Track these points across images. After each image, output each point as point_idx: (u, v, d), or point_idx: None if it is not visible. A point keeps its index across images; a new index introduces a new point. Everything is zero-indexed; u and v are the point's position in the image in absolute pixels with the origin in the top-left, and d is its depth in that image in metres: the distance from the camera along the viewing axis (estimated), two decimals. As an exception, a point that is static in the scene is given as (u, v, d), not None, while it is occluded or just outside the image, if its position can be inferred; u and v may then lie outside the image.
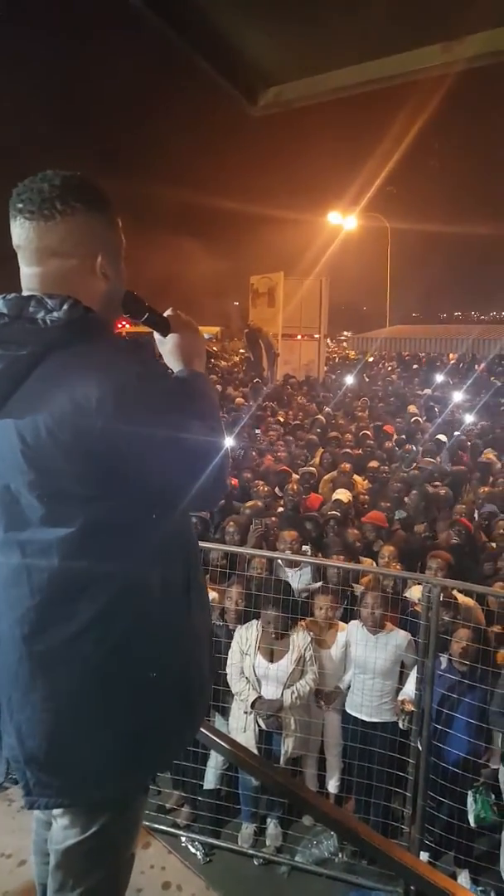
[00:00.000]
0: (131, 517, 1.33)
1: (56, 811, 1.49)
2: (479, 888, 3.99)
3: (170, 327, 1.57)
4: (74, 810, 1.45)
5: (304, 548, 5.81)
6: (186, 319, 1.59)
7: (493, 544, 6.12)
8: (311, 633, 4.40)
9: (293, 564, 5.29)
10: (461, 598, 4.62)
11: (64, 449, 1.24)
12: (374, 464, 8.82)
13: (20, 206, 1.30)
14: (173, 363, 1.56)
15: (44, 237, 1.31)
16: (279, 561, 5.25)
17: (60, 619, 1.32)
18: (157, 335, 1.59)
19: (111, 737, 1.38)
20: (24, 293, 1.33)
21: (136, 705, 1.40)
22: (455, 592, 4.53)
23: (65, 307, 1.26)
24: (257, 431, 10.96)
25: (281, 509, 6.88)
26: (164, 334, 1.57)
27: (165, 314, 1.59)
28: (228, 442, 1.48)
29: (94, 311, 1.32)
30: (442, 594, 3.94)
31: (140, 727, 1.41)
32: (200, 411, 1.36)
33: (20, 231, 1.32)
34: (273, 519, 6.24)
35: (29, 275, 1.35)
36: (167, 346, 1.57)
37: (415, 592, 4.77)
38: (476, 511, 7.17)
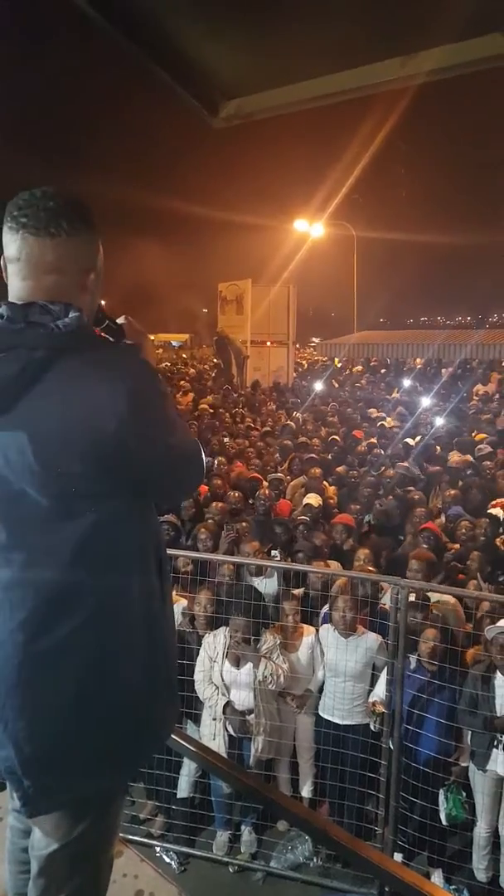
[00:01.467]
0: (130, 514, 1.43)
1: (38, 818, 1.50)
2: (452, 887, 4.04)
3: (124, 335, 1.64)
4: (57, 817, 1.47)
5: (274, 553, 5.83)
6: (139, 327, 1.66)
7: (457, 545, 6.20)
8: (278, 637, 4.42)
9: (259, 572, 5.30)
10: (443, 597, 4.68)
11: (77, 449, 1.29)
12: (341, 469, 8.88)
13: (24, 220, 1.34)
14: None
15: (47, 253, 1.36)
16: (245, 570, 5.26)
17: (61, 618, 1.35)
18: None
19: (110, 732, 1.44)
20: (22, 301, 1.36)
21: (130, 700, 1.45)
22: (433, 595, 4.59)
23: (72, 314, 1.33)
24: (226, 440, 10.95)
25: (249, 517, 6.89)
26: (119, 341, 1.64)
27: (119, 322, 1.64)
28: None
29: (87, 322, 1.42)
30: (412, 595, 3.99)
31: (136, 720, 1.47)
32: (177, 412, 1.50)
33: (21, 245, 1.36)
34: (244, 524, 6.25)
35: (23, 286, 1.38)
36: None
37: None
38: (443, 514, 7.26)
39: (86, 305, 1.43)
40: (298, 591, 4.93)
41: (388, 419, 14.04)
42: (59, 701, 1.37)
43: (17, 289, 1.39)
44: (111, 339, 1.63)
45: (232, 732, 4.25)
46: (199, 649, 4.44)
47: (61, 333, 1.30)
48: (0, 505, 1.35)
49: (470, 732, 4.02)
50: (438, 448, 10.52)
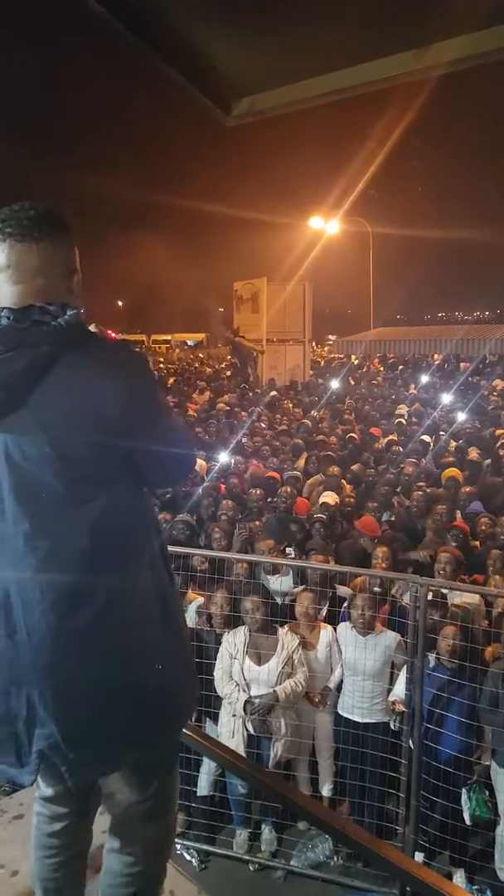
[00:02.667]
0: (135, 499, 1.56)
1: (111, 783, 1.68)
2: (475, 887, 4.01)
3: None
4: (130, 777, 1.65)
5: (289, 551, 5.82)
6: (107, 333, 1.82)
7: (477, 543, 6.15)
8: (297, 637, 4.42)
9: (274, 571, 5.30)
10: (466, 598, 4.65)
11: (86, 434, 1.41)
12: (355, 467, 8.84)
13: (8, 230, 1.46)
14: None
15: (33, 257, 1.47)
16: (260, 568, 5.26)
17: (87, 598, 1.45)
18: None
19: (141, 704, 1.54)
20: (18, 305, 1.45)
21: (155, 672, 1.56)
22: (456, 595, 4.55)
23: (70, 312, 1.44)
24: (243, 439, 10.95)
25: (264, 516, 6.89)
26: None
27: (91, 329, 1.72)
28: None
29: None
30: (430, 593, 3.97)
31: (164, 690, 1.58)
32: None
33: (9, 252, 1.46)
34: (257, 523, 6.25)
35: (14, 290, 1.47)
36: None
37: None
38: (460, 511, 7.20)
39: (71, 304, 1.51)
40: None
41: (401, 407, 13.99)
42: (91, 677, 1.47)
43: (9, 294, 1.47)
44: None
45: (251, 731, 4.25)
46: (216, 647, 4.45)
47: (63, 329, 1.41)
48: (22, 496, 1.44)
49: (491, 731, 3.98)
50: (455, 444, 10.46)
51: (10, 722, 1.48)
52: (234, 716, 4.24)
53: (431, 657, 4.11)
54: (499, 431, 11.20)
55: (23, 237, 1.45)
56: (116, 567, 1.49)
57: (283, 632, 4.41)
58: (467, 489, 7.65)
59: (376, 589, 4.67)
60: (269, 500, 7.33)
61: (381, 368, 26.09)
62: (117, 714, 1.51)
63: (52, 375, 1.40)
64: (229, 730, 4.26)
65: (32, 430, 1.41)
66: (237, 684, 4.28)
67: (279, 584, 5.21)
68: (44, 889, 1.80)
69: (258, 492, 7.31)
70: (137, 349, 1.62)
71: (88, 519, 1.44)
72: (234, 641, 4.38)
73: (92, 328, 1.67)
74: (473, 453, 9.63)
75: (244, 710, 4.21)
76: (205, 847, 4.27)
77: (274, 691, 4.20)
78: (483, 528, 6.35)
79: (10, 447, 1.43)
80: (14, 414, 1.40)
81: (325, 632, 4.57)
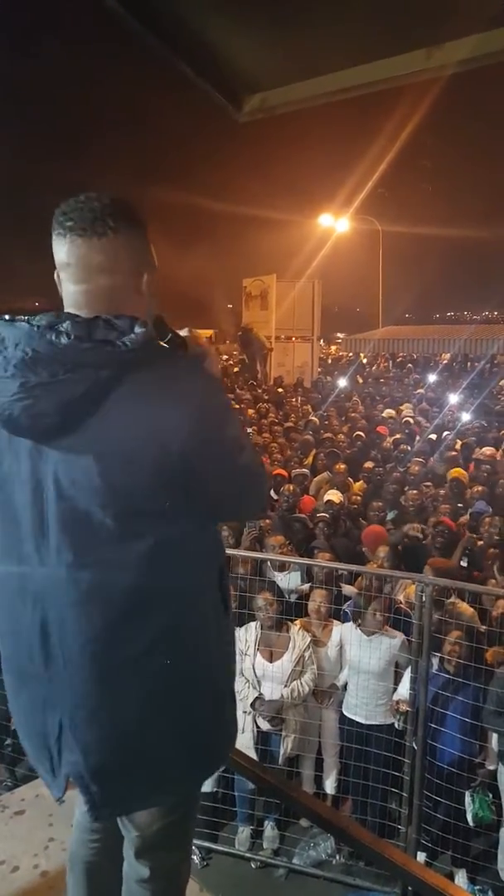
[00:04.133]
0: (193, 533, 1.43)
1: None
2: (477, 887, 4.00)
3: (187, 348, 1.57)
4: (155, 808, 1.59)
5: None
6: (202, 340, 1.61)
7: (481, 542, 6.15)
8: (308, 635, 4.42)
9: (282, 568, 5.30)
10: (462, 605, 4.63)
11: (142, 468, 1.29)
12: (369, 465, 8.83)
13: (69, 224, 1.33)
14: None
15: (96, 253, 1.34)
16: (268, 564, 5.26)
17: (132, 636, 1.37)
18: None
19: (179, 746, 1.48)
20: (82, 313, 1.34)
21: (198, 713, 1.49)
22: (456, 602, 4.54)
23: (138, 330, 1.29)
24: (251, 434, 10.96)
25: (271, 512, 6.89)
26: (181, 354, 1.58)
27: (182, 334, 1.58)
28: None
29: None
30: (434, 593, 3.95)
31: (205, 732, 1.53)
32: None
33: (71, 248, 1.35)
34: (267, 521, 6.24)
35: (76, 291, 1.37)
36: None
37: (410, 592, 4.78)
38: (469, 510, 7.19)
39: (142, 309, 1.41)
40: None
41: (405, 406, 13.96)
42: (126, 716, 1.40)
43: (71, 293, 1.38)
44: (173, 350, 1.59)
45: (261, 727, 4.25)
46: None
47: (127, 351, 1.27)
48: (66, 526, 1.34)
49: (497, 734, 3.97)
50: (461, 443, 10.44)
51: (44, 737, 1.45)
52: (244, 712, 4.25)
53: (435, 659, 4.11)
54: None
55: (84, 231, 1.33)
56: (166, 607, 1.39)
57: (296, 629, 4.42)
58: (478, 489, 7.63)
59: (385, 590, 4.66)
60: (273, 497, 7.32)
61: (387, 366, 26.06)
62: (152, 755, 1.45)
63: (112, 401, 1.27)
64: (240, 726, 4.25)
65: (85, 458, 1.30)
66: (248, 681, 4.28)
67: (287, 581, 5.22)
68: (84, 870, 1.81)
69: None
70: (211, 371, 1.47)
71: (137, 555, 1.34)
72: (245, 638, 4.39)
73: (184, 332, 1.56)
74: (487, 451, 9.62)
75: (252, 706, 4.22)
76: (206, 844, 4.27)
77: (281, 697, 4.21)
78: (486, 527, 6.34)
79: (59, 473, 1.33)
80: (67, 439, 1.30)
81: (337, 630, 4.57)
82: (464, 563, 5.80)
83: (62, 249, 1.36)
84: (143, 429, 1.28)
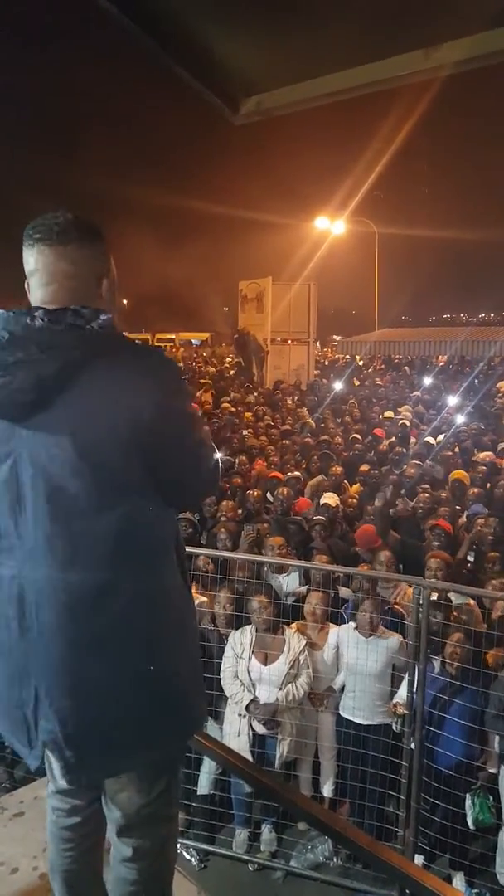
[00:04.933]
0: (157, 507, 1.53)
1: (115, 785, 1.66)
2: (475, 890, 3.99)
3: None
4: (137, 780, 1.64)
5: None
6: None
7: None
8: (304, 638, 4.41)
9: (281, 570, 5.30)
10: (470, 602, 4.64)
11: (117, 440, 1.40)
12: (364, 467, 8.83)
13: (38, 236, 1.49)
14: None
15: (61, 260, 1.49)
16: (267, 567, 5.26)
17: (105, 604, 1.46)
18: None
19: (153, 709, 1.55)
20: (53, 306, 1.46)
21: (169, 676, 1.57)
22: (453, 598, 4.55)
23: (102, 317, 1.44)
24: (245, 434, 10.95)
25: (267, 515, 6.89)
26: None
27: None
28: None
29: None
30: (432, 595, 3.95)
31: (178, 694, 1.61)
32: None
33: (38, 256, 1.50)
34: (265, 525, 6.24)
35: (43, 292, 1.50)
36: None
37: (408, 595, 4.79)
38: (465, 512, 7.20)
39: (102, 308, 1.51)
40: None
41: (404, 409, 13.98)
42: (101, 681, 1.48)
43: (40, 295, 1.50)
44: None
45: (256, 730, 4.25)
46: (219, 647, 4.45)
47: (97, 334, 1.42)
48: (43, 497, 1.43)
49: (498, 737, 3.97)
50: (459, 446, 10.45)
51: (21, 707, 1.51)
52: (239, 715, 4.24)
53: (436, 661, 4.10)
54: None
55: (51, 241, 1.48)
56: (136, 574, 1.49)
57: (291, 632, 4.41)
58: (473, 490, 7.64)
59: (384, 591, 4.67)
60: (267, 498, 7.32)
61: (383, 368, 26.08)
62: (126, 719, 1.51)
63: (84, 379, 1.40)
64: (235, 729, 4.26)
65: (60, 433, 1.40)
66: (242, 684, 4.27)
67: (286, 583, 5.21)
68: (63, 879, 1.83)
69: (256, 492, 7.29)
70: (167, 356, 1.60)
71: (110, 525, 1.44)
72: (240, 641, 4.38)
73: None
74: (483, 455, 9.63)
75: (246, 709, 4.21)
76: (204, 847, 4.26)
77: (276, 700, 4.21)
78: (480, 529, 6.34)
79: (34, 449, 1.43)
80: (42, 415, 1.40)
81: (333, 633, 4.56)
82: (470, 558, 5.81)
83: (31, 259, 1.50)
84: (117, 403, 1.41)
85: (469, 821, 3.94)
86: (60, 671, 1.47)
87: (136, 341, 1.58)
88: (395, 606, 4.62)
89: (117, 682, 1.49)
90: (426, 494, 7.41)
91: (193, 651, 1.71)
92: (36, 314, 1.41)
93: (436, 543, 5.86)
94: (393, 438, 11.02)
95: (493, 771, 4.03)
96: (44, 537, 1.44)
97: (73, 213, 1.54)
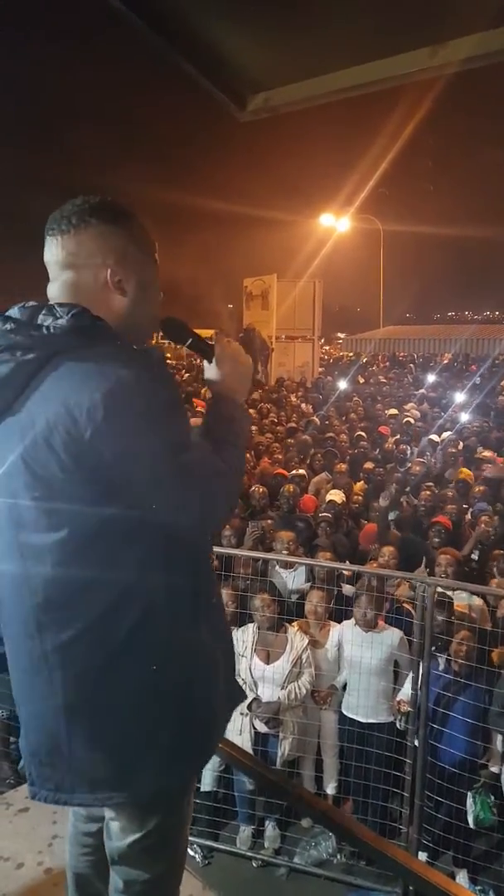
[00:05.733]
0: (125, 529, 1.33)
1: (109, 812, 1.55)
2: (478, 887, 4.00)
3: (213, 354, 1.57)
4: (128, 811, 1.50)
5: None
6: (233, 348, 1.59)
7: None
8: (306, 637, 4.41)
9: (288, 565, 5.30)
10: (473, 601, 4.65)
11: (56, 456, 1.26)
12: (369, 465, 8.83)
13: (47, 226, 1.41)
14: (212, 390, 1.57)
15: (61, 249, 1.40)
16: (274, 562, 5.26)
17: (56, 624, 1.35)
18: (204, 362, 1.59)
19: (100, 748, 1.40)
20: (51, 301, 1.39)
21: (124, 722, 1.40)
22: (458, 600, 4.55)
23: (70, 314, 1.30)
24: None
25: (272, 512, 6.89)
26: (209, 360, 1.57)
27: (210, 341, 1.59)
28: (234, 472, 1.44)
29: (105, 322, 1.34)
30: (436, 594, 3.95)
31: (129, 744, 1.41)
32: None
33: (46, 248, 1.42)
34: (269, 522, 6.24)
35: (51, 288, 1.42)
36: (209, 373, 1.58)
37: (402, 591, 4.80)
38: (470, 509, 7.19)
39: (115, 306, 1.41)
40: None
41: (410, 406, 13.95)
42: (49, 704, 1.39)
43: (48, 291, 1.42)
44: (203, 358, 1.59)
45: (258, 728, 4.25)
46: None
47: (52, 335, 1.28)
48: (2, 509, 1.37)
49: (501, 735, 3.97)
50: (462, 443, 10.44)
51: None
52: (241, 714, 4.25)
53: (441, 659, 4.10)
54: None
55: (54, 231, 1.40)
56: (94, 600, 1.33)
57: (293, 631, 4.41)
58: (480, 488, 7.63)
59: (388, 590, 4.67)
60: (273, 498, 7.32)
61: (387, 366, 26.05)
62: (72, 749, 1.39)
63: (38, 384, 1.29)
64: (237, 727, 4.26)
65: (11, 441, 1.31)
66: (244, 682, 4.28)
67: (291, 579, 5.22)
68: (75, 881, 1.82)
69: (261, 490, 7.30)
70: (145, 358, 1.33)
71: (53, 546, 1.31)
72: (242, 639, 4.38)
73: (213, 339, 1.56)
74: (483, 453, 9.61)
75: (249, 707, 4.22)
76: (208, 843, 4.28)
77: (278, 699, 4.21)
78: (483, 526, 6.34)
79: None
80: (2, 420, 1.33)
81: (335, 630, 4.56)
82: (474, 556, 5.81)
83: (45, 250, 1.43)
84: (58, 413, 1.25)
85: (469, 819, 3.94)
86: (19, 687, 1.44)
87: (117, 342, 1.33)
88: (405, 605, 4.61)
89: (62, 709, 1.38)
90: (428, 492, 7.40)
91: (177, 697, 1.45)
92: (10, 313, 1.34)
93: (436, 540, 5.87)
94: (398, 436, 11.01)
95: (495, 769, 4.03)
96: (2, 549, 1.39)
97: (92, 195, 1.42)
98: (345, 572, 5.10)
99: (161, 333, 1.62)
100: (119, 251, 1.41)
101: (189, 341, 1.57)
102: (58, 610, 1.35)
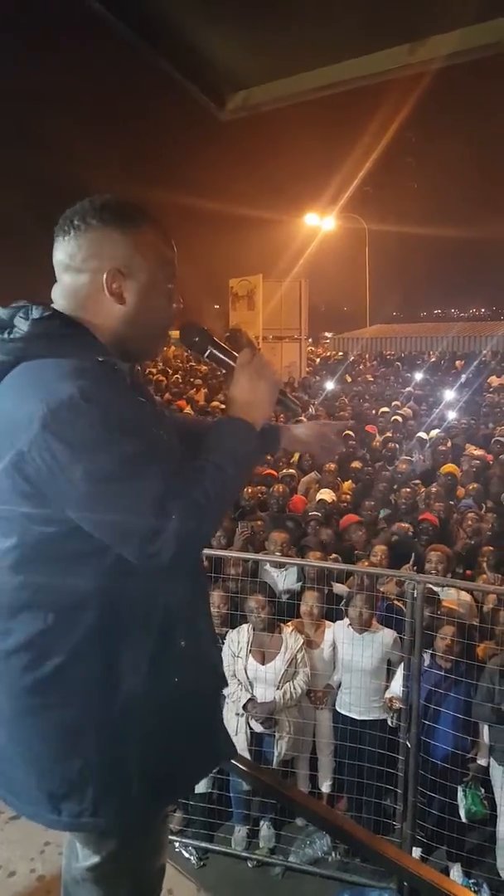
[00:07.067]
0: (75, 544, 1.25)
1: (69, 834, 1.47)
2: (472, 881, 4.02)
3: (233, 367, 1.44)
4: (83, 835, 1.42)
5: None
6: (256, 360, 1.43)
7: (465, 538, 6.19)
8: (301, 637, 4.41)
9: (280, 565, 5.30)
10: (461, 596, 4.67)
11: (5, 463, 1.21)
12: (356, 464, 8.85)
13: (55, 227, 1.36)
14: (228, 408, 1.42)
15: (61, 252, 1.35)
16: (265, 562, 5.26)
17: (1, 632, 1.31)
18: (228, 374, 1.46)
19: (31, 767, 1.34)
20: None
21: (56, 748, 1.32)
22: (446, 597, 4.57)
23: (32, 317, 1.26)
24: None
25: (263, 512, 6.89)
26: (230, 373, 1.44)
27: (239, 354, 1.45)
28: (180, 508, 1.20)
29: (92, 328, 1.31)
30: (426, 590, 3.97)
31: (58, 771, 1.32)
32: (158, 458, 1.23)
33: (54, 251, 1.37)
34: (259, 522, 6.24)
35: (53, 290, 1.39)
36: (229, 388, 1.43)
37: (390, 589, 4.82)
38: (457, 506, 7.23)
39: (112, 312, 1.34)
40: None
41: (395, 403, 14.00)
42: None
43: (52, 292, 1.40)
44: (222, 368, 1.47)
45: (254, 728, 4.25)
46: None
47: (14, 340, 1.25)
48: None
49: (487, 728, 3.99)
50: (451, 441, 10.48)
51: None
52: (237, 714, 4.24)
53: (427, 655, 4.12)
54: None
55: (57, 232, 1.35)
56: (39, 612, 1.27)
57: (288, 631, 4.41)
58: (472, 486, 7.67)
59: (381, 589, 4.68)
60: (260, 496, 7.33)
61: (373, 365, 26.14)
62: (12, 767, 1.36)
63: (1, 390, 1.25)
64: (232, 728, 4.26)
65: None
66: (240, 683, 4.28)
67: (283, 579, 5.22)
68: (64, 891, 1.76)
69: (250, 489, 7.29)
70: (94, 370, 1.23)
71: (3, 554, 1.27)
72: (237, 640, 4.38)
73: (242, 353, 1.43)
74: (471, 450, 9.66)
75: (244, 708, 4.22)
76: (203, 844, 4.27)
77: (273, 699, 4.21)
78: (470, 523, 6.37)
79: None
80: None
81: (330, 630, 4.57)
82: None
83: (53, 250, 1.38)
84: (8, 421, 1.20)
85: (461, 814, 3.96)
86: None
87: (78, 352, 1.26)
88: (396, 602, 4.62)
89: (6, 722, 1.34)
90: (408, 489, 7.43)
91: (117, 744, 1.32)
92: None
93: (424, 538, 5.89)
94: (387, 434, 11.04)
95: (482, 763, 4.05)
96: None
97: (100, 195, 1.36)
98: (335, 572, 5.10)
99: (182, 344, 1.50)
100: (120, 257, 1.33)
101: (207, 352, 1.45)
102: (2, 617, 1.30)
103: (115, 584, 1.28)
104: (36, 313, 1.27)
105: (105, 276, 1.32)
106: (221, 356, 1.46)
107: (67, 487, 1.18)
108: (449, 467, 8.38)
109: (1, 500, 1.24)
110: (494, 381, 19.10)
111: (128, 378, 1.37)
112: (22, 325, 1.26)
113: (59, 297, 1.37)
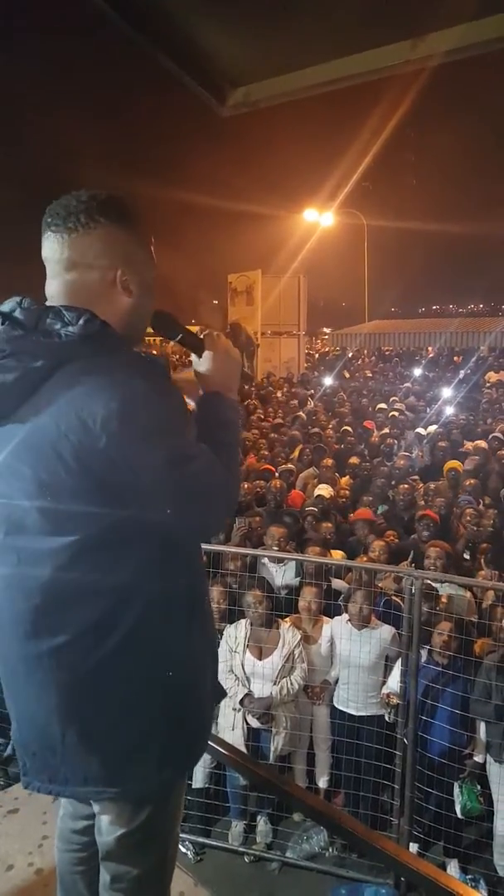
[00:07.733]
0: (127, 534, 1.34)
1: (96, 807, 1.55)
2: (469, 877, 4.03)
3: (204, 349, 1.58)
4: (117, 806, 1.50)
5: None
6: (223, 343, 1.60)
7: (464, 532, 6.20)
8: (299, 632, 4.42)
9: (278, 560, 5.31)
10: (459, 592, 4.67)
11: (66, 463, 1.26)
12: (354, 460, 8.85)
13: (49, 220, 1.37)
14: (203, 386, 1.58)
15: (67, 249, 1.36)
16: (263, 557, 5.26)
17: (51, 627, 1.35)
18: (193, 356, 1.60)
19: (93, 745, 1.41)
20: (46, 304, 1.37)
21: (118, 722, 1.41)
22: (444, 590, 4.57)
23: (81, 321, 1.28)
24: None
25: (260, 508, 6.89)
26: (199, 355, 1.58)
27: (202, 335, 1.60)
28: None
29: (112, 326, 1.34)
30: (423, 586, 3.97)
31: (122, 743, 1.43)
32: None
33: (48, 244, 1.38)
34: (257, 518, 6.25)
35: (52, 285, 1.40)
36: (200, 368, 1.58)
37: (387, 585, 4.82)
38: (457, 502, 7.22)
39: (121, 306, 1.41)
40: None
41: (395, 399, 14.00)
42: (43, 704, 1.40)
43: (47, 288, 1.40)
44: (192, 353, 1.59)
45: (251, 724, 4.26)
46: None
47: (62, 343, 1.27)
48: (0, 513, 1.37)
49: (484, 724, 4.00)
50: (450, 437, 10.48)
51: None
52: (234, 709, 4.25)
53: (424, 651, 4.13)
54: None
55: (58, 228, 1.36)
56: (92, 604, 1.35)
57: (286, 627, 4.42)
58: (470, 481, 7.67)
59: (379, 584, 4.69)
60: (258, 491, 7.32)
61: (372, 360, 26.13)
62: (65, 746, 1.41)
63: (43, 391, 1.27)
64: (230, 723, 4.27)
65: (17, 447, 1.30)
66: (237, 678, 4.28)
67: (281, 574, 5.22)
68: (62, 881, 1.81)
69: (247, 485, 7.30)
70: (155, 366, 1.35)
71: (55, 551, 1.31)
72: (234, 635, 4.39)
73: (204, 334, 1.58)
74: (470, 445, 9.66)
75: (241, 703, 4.22)
76: (200, 839, 4.28)
77: (270, 695, 4.22)
78: (468, 518, 6.37)
79: None
80: (2, 427, 1.32)
81: (328, 626, 4.58)
82: (466, 556, 5.85)
83: (44, 245, 1.39)
84: (69, 423, 1.25)
85: (457, 809, 3.98)
86: (11, 683, 1.45)
87: (125, 350, 1.36)
88: (394, 598, 4.63)
89: (56, 708, 1.40)
90: (406, 485, 7.43)
91: (170, 701, 1.47)
92: (15, 314, 1.31)
93: (425, 534, 5.90)
94: (385, 430, 11.04)
95: (479, 759, 4.07)
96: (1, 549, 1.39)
97: (98, 191, 1.39)
98: (333, 567, 5.11)
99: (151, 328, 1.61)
100: (128, 253, 1.41)
101: (179, 336, 1.57)
102: (54, 613, 1.35)
103: (160, 563, 1.40)
104: (74, 315, 1.29)
105: (118, 272, 1.39)
106: (190, 340, 1.59)
107: (143, 477, 1.27)
108: (453, 463, 8.38)
109: (60, 499, 1.29)
110: (492, 376, 19.09)
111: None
112: (69, 328, 1.28)
113: (64, 295, 1.37)
